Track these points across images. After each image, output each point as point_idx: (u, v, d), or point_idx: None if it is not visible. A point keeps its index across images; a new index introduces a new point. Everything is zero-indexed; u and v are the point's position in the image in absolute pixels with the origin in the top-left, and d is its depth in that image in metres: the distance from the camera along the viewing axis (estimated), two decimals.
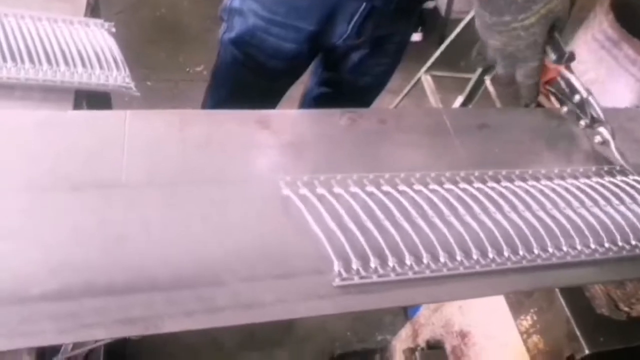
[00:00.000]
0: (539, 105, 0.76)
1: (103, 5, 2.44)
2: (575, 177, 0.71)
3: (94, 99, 0.81)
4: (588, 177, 0.71)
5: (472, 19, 1.97)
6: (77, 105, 0.73)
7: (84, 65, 0.71)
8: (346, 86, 1.13)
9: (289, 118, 0.71)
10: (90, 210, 0.56)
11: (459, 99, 1.79)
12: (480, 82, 1.77)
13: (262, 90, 1.06)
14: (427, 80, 2.12)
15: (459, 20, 2.24)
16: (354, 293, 0.55)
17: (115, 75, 0.71)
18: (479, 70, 1.75)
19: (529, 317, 0.82)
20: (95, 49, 0.73)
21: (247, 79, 1.02)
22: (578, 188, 0.69)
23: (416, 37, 2.60)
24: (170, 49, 2.39)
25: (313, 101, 1.22)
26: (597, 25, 2.05)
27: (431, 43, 2.58)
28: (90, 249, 0.54)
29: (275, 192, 0.61)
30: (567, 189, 0.69)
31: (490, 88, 2.12)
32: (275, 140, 0.68)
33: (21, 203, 0.56)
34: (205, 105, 1.11)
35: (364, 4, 0.88)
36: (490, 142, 0.74)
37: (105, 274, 0.52)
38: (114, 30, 0.78)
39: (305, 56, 1.00)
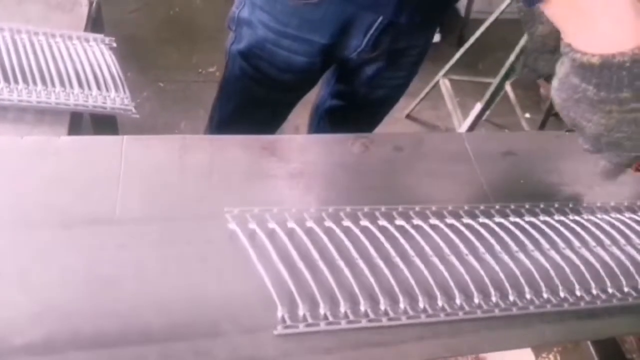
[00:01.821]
0: None
1: (116, 4, 2.41)
2: (620, 211, 0.65)
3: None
4: (634, 212, 0.65)
5: (492, 23, 1.91)
6: (75, 124, 0.69)
7: (80, 85, 0.67)
8: (359, 99, 1.08)
9: (296, 144, 0.66)
10: (79, 249, 0.52)
11: (478, 106, 1.72)
12: (500, 87, 1.70)
13: (272, 103, 1.01)
14: (445, 84, 2.05)
15: (479, 21, 2.16)
16: None
17: (113, 97, 0.66)
18: (499, 76, 1.68)
19: (551, 357, 0.76)
20: (94, 68, 0.69)
21: (255, 92, 0.97)
22: (624, 223, 0.63)
23: (434, 38, 2.52)
24: (184, 49, 2.35)
25: (325, 113, 1.17)
26: None
27: (449, 44, 2.50)
28: (78, 294, 0.50)
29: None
30: (611, 224, 0.63)
31: (511, 94, 2.05)
32: (282, 169, 0.63)
33: (5, 240, 0.52)
34: (212, 119, 1.06)
35: (381, 17, 0.82)
36: (515, 171, 0.68)
37: (93, 322, 0.48)
38: (114, 45, 0.74)
39: (317, 69, 0.94)
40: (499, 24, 1.91)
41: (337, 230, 0.57)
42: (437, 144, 0.70)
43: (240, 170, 0.62)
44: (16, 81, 0.65)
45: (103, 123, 0.82)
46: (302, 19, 0.83)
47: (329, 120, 1.18)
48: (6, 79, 0.64)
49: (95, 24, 0.82)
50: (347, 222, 0.58)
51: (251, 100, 1.00)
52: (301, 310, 0.50)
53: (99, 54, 0.70)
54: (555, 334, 0.55)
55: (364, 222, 0.58)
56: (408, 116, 2.16)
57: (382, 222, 0.59)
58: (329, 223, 0.58)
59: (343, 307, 0.51)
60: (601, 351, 0.70)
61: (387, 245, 0.56)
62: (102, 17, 0.86)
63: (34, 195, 0.56)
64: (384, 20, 0.83)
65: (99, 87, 0.67)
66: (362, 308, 0.51)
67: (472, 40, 1.89)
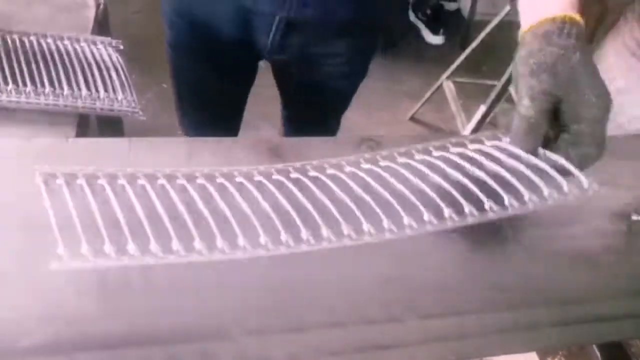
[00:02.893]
0: None
1: (120, 5, 2.41)
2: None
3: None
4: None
5: (496, 25, 1.91)
6: (82, 125, 0.69)
7: (88, 87, 0.67)
8: (300, 104, 1.10)
9: (302, 146, 0.67)
10: None
11: (482, 108, 1.73)
12: (504, 89, 1.71)
13: (222, 91, 1.03)
14: (448, 87, 2.05)
15: (483, 23, 2.17)
16: None
17: (121, 99, 0.67)
18: (503, 78, 1.69)
19: None
20: (102, 70, 0.69)
21: (201, 75, 0.98)
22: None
23: (437, 39, 2.53)
24: None
25: (287, 120, 1.20)
26: (627, 31, 1.95)
27: (453, 46, 2.51)
28: (85, 296, 0.50)
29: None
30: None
31: (515, 97, 2.05)
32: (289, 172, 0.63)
33: (15, 242, 0.52)
34: (181, 122, 1.08)
35: (277, 17, 0.81)
36: None
37: (101, 325, 0.48)
38: (121, 47, 0.74)
39: (246, 57, 0.95)
40: (503, 26, 1.91)
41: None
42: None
43: (244, 173, 0.62)
44: (24, 83, 0.65)
45: (109, 124, 0.82)
46: (208, 12, 0.84)
47: (292, 125, 1.20)
48: (15, 81, 0.65)
49: (101, 25, 0.82)
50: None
51: (200, 90, 1.01)
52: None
53: (106, 56, 0.71)
54: (561, 337, 0.56)
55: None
56: (412, 118, 2.16)
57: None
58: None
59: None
60: (607, 355, 0.70)
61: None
62: (109, 19, 0.86)
63: (42, 201, 0.56)
64: (281, 20, 0.82)
65: (106, 90, 0.67)
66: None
67: (475, 43, 1.90)
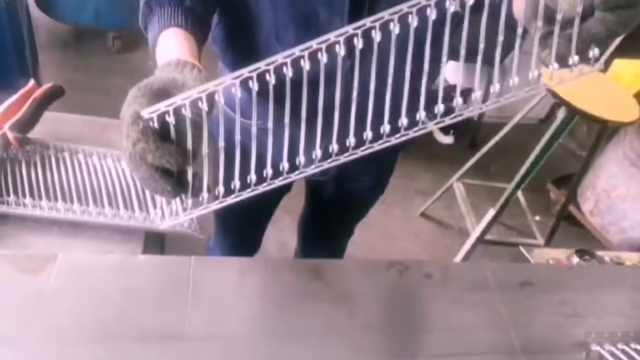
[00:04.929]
0: None
1: None
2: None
3: None
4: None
5: (506, 133, 2.05)
6: (148, 241, 0.79)
7: (155, 207, 0.77)
8: (325, 213, 1.20)
9: (340, 268, 0.76)
10: None
11: (491, 212, 1.82)
12: (512, 194, 1.81)
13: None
14: (458, 188, 2.17)
15: (491, 124, 2.32)
16: None
17: (183, 222, 0.77)
18: (513, 184, 1.79)
19: None
20: None
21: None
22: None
23: (448, 139, 2.67)
24: None
25: (308, 224, 1.29)
26: (628, 143, 2.09)
27: (462, 146, 2.64)
28: None
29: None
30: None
31: (521, 197, 2.16)
32: (328, 292, 0.72)
33: (89, 352, 0.60)
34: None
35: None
36: (532, 301, 0.76)
37: None
38: None
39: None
40: (511, 128, 2.05)
41: None
42: (462, 272, 0.79)
43: (291, 293, 0.71)
44: (102, 203, 0.75)
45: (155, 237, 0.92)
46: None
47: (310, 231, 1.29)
48: (95, 201, 0.75)
49: None
50: None
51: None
52: None
53: None
54: None
55: None
56: (422, 214, 2.26)
57: None
58: None
59: None
60: None
61: None
62: None
63: (114, 310, 0.64)
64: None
65: (171, 211, 0.77)
66: None
67: (485, 149, 2.03)
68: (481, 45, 0.53)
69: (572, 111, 1.66)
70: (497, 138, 2.02)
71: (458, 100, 0.55)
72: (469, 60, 0.52)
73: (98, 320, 0.63)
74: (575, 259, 1.24)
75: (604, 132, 1.86)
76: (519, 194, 2.12)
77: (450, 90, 0.57)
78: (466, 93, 0.58)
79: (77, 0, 2.65)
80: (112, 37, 2.84)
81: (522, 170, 1.76)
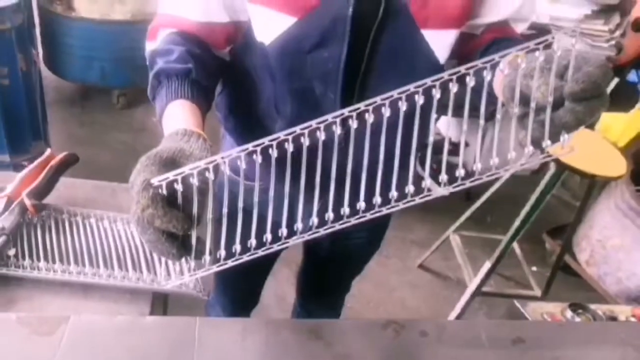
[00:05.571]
0: None
1: None
2: None
3: None
4: None
5: (501, 185, 2.10)
6: (155, 301, 0.82)
7: (161, 268, 0.81)
8: (322, 270, 1.23)
9: (339, 329, 0.79)
10: None
11: (487, 264, 1.85)
12: (508, 245, 1.84)
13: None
14: (455, 240, 2.20)
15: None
16: None
17: (188, 283, 0.81)
18: (508, 235, 1.83)
19: None
20: None
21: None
22: None
23: (442, 191, 2.72)
24: None
25: (306, 282, 1.32)
26: (619, 194, 2.14)
27: (458, 196, 2.69)
28: None
29: None
30: None
31: (517, 249, 2.19)
32: (327, 352, 0.75)
33: None
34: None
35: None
36: (524, 357, 0.79)
37: None
38: None
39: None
40: (506, 180, 2.10)
41: None
42: (456, 329, 0.82)
43: (292, 353, 0.74)
44: (112, 266, 0.80)
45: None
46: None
47: (307, 286, 1.32)
48: (105, 263, 0.79)
49: None
50: None
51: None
52: None
53: None
54: None
55: None
56: (420, 266, 2.29)
57: None
58: None
59: None
60: None
61: None
62: None
63: None
64: None
65: (175, 272, 0.81)
66: None
67: (479, 202, 2.08)
68: (464, 127, 0.58)
69: (562, 166, 1.72)
70: (492, 190, 2.07)
71: (443, 178, 0.60)
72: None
73: None
74: (569, 313, 1.27)
75: (594, 184, 1.92)
76: (515, 244, 2.15)
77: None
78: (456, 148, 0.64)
79: (84, 61, 2.77)
80: (116, 95, 2.94)
81: (517, 221, 1.80)
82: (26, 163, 1.05)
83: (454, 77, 0.56)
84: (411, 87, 0.56)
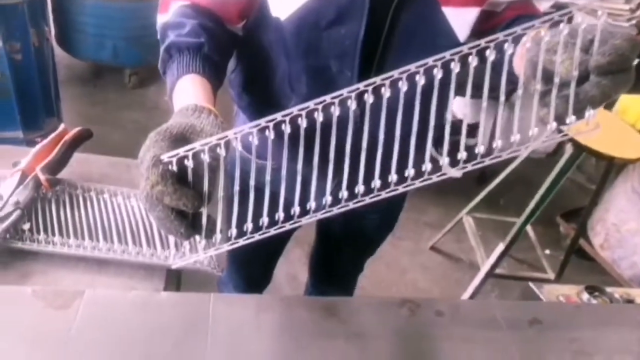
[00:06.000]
0: None
1: None
2: None
3: None
4: None
5: (512, 160, 2.08)
6: (169, 277, 0.82)
7: (176, 246, 0.81)
8: (335, 250, 1.23)
9: (353, 306, 0.78)
10: None
11: (500, 246, 1.84)
12: (522, 228, 1.83)
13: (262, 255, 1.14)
14: (467, 221, 2.19)
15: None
16: None
17: (202, 259, 0.80)
18: (522, 218, 1.81)
19: None
20: None
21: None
22: None
23: (457, 173, 2.70)
24: None
25: (319, 262, 1.32)
26: (636, 177, 2.11)
27: (471, 179, 2.67)
28: None
29: None
30: None
31: (531, 232, 2.17)
32: (341, 330, 0.74)
33: None
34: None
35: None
36: (541, 338, 0.78)
37: None
38: None
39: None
40: (520, 162, 2.07)
41: None
42: (472, 310, 0.81)
43: (306, 330, 0.74)
44: (126, 241, 0.79)
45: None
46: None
47: (320, 266, 1.32)
48: (119, 239, 0.79)
49: None
50: None
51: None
52: None
53: None
54: None
55: None
56: (432, 247, 2.28)
57: None
58: None
59: None
60: None
61: None
62: None
63: (137, 345, 0.68)
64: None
65: (191, 249, 0.81)
66: None
67: (493, 184, 2.06)
68: (484, 104, 0.57)
69: (579, 147, 1.69)
70: (506, 172, 2.04)
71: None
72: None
73: (122, 355, 0.67)
74: (585, 296, 1.26)
75: (611, 167, 1.89)
76: (529, 227, 2.13)
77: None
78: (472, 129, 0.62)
79: (97, 39, 2.76)
80: (128, 74, 2.94)
81: (531, 204, 1.78)
82: (39, 139, 1.05)
83: (474, 50, 0.54)
84: (430, 61, 0.54)
